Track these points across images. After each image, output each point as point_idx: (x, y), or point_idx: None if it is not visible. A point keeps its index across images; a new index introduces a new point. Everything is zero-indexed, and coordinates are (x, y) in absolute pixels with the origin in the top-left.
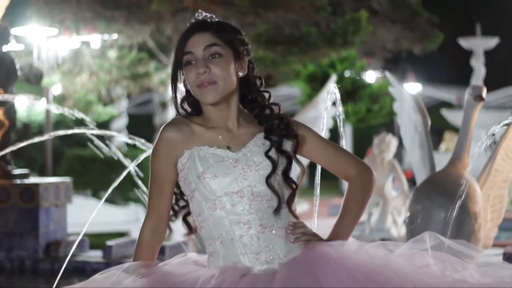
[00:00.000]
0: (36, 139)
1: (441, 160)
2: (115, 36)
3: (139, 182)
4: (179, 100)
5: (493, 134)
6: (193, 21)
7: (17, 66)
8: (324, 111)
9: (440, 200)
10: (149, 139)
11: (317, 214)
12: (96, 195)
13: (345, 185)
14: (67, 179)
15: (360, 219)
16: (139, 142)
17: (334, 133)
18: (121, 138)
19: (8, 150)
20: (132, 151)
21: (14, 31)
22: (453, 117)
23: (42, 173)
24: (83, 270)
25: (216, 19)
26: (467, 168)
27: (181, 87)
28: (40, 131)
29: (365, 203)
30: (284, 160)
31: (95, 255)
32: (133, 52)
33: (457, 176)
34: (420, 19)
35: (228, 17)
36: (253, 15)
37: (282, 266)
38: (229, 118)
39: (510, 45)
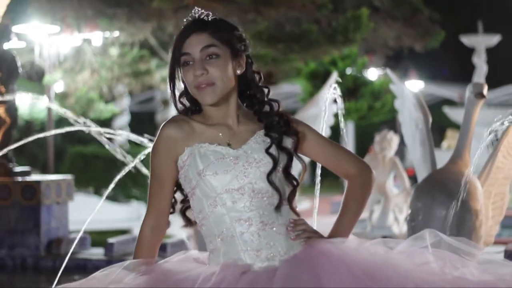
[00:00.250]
0: (35, 136)
1: (443, 157)
2: (116, 33)
3: (142, 180)
4: (177, 98)
5: (496, 131)
6: (190, 19)
7: (19, 64)
8: (325, 108)
9: (441, 198)
10: (152, 136)
11: (319, 212)
12: (98, 192)
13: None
14: (68, 177)
15: (360, 217)
16: (145, 139)
17: (335, 130)
18: (125, 135)
19: (9, 147)
20: (134, 148)
21: (15, 28)
22: (455, 114)
23: (45, 170)
24: (84, 268)
25: (213, 17)
26: (469, 166)
27: (179, 84)
28: (42, 129)
29: (365, 201)
30: (285, 157)
31: (97, 253)
32: (135, 50)
33: (458, 174)
34: (421, 16)
35: (229, 14)
36: (254, 12)
37: (282, 263)
38: (228, 116)
39: None
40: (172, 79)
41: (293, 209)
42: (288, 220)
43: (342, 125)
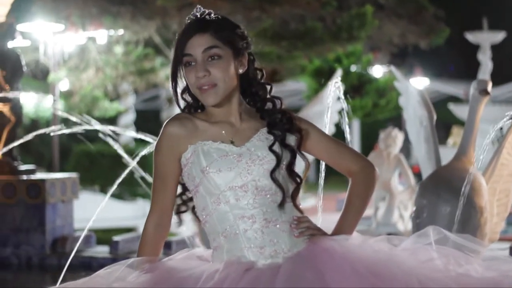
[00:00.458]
0: (34, 133)
1: (449, 154)
2: (121, 31)
3: (145, 177)
4: (179, 96)
5: (501, 128)
6: (192, 17)
7: (23, 62)
8: (328, 105)
9: (446, 195)
10: (157, 135)
11: (324, 209)
12: (104, 190)
13: None
14: (73, 175)
15: (363, 214)
16: (151, 138)
17: (340, 128)
18: (129, 133)
19: (13, 145)
20: (140, 146)
21: (20, 27)
22: (461, 111)
23: (50, 169)
24: (89, 266)
25: (215, 16)
26: (473, 163)
27: (181, 83)
28: (48, 127)
29: (368, 198)
30: (288, 154)
31: (102, 251)
32: (139, 48)
33: (463, 170)
34: (426, 14)
35: (234, 12)
36: (258, 10)
37: (286, 261)
38: (231, 114)
39: None
40: (174, 78)
41: (296, 207)
42: (291, 218)
43: (345, 122)
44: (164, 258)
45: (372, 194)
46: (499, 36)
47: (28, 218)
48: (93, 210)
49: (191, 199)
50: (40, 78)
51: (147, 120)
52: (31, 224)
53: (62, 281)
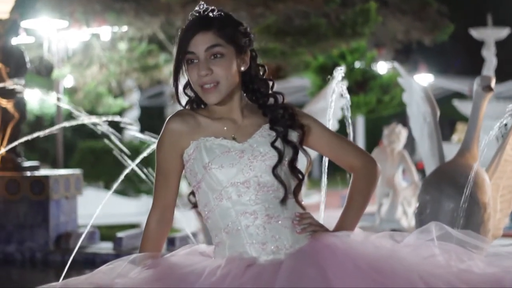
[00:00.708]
0: (46, 131)
1: (453, 150)
2: (125, 28)
3: (147, 175)
4: (180, 95)
5: (505, 125)
6: (195, 14)
7: (27, 59)
8: (331, 102)
9: (449, 191)
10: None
11: (328, 205)
12: (108, 187)
13: None
14: (77, 171)
15: (365, 210)
16: (150, 136)
17: (344, 124)
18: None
19: (17, 142)
20: (144, 143)
21: (24, 23)
22: (465, 107)
23: (55, 165)
24: (93, 262)
25: (218, 13)
26: (477, 159)
27: (183, 80)
28: (53, 124)
29: (370, 194)
30: (290, 150)
31: (106, 247)
32: (143, 44)
33: (466, 167)
34: (430, 10)
35: (238, 9)
36: (262, 6)
37: (288, 257)
38: (233, 110)
39: None
40: (176, 76)
41: (298, 203)
42: (293, 214)
43: (348, 118)
44: (167, 254)
45: (374, 190)
46: (503, 32)
47: (32, 215)
48: (98, 207)
49: None
50: (44, 74)
51: (152, 116)
52: (35, 221)
53: (66, 277)
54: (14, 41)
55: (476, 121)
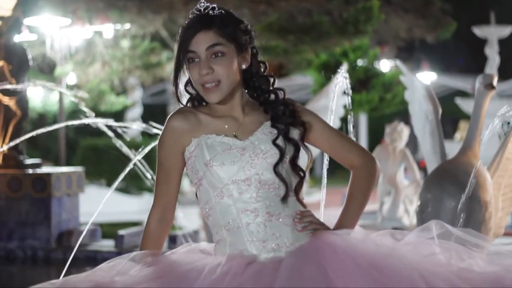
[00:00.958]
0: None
1: (456, 148)
2: (127, 26)
3: (150, 172)
4: (181, 93)
5: (508, 123)
6: (196, 11)
7: (29, 57)
8: (332, 100)
9: (451, 189)
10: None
11: (331, 203)
12: (111, 185)
13: None
14: (79, 169)
15: (365, 208)
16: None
17: (346, 122)
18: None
19: (19, 140)
20: (147, 140)
21: (26, 21)
22: (468, 105)
23: (58, 163)
24: (95, 259)
25: (218, 11)
26: (479, 157)
27: (183, 78)
28: (55, 121)
29: (369, 192)
30: (292, 148)
31: (107, 245)
32: (146, 42)
33: (468, 165)
34: (433, 8)
35: (240, 6)
36: (265, 4)
37: (288, 255)
38: (234, 108)
39: None
40: (176, 75)
41: (299, 201)
42: (294, 212)
43: (350, 116)
44: (167, 251)
45: (374, 188)
46: (506, 30)
47: (33, 212)
48: (100, 205)
49: None
50: (46, 72)
51: (154, 114)
52: (36, 218)
53: (66, 275)
54: (17, 38)
55: (478, 119)
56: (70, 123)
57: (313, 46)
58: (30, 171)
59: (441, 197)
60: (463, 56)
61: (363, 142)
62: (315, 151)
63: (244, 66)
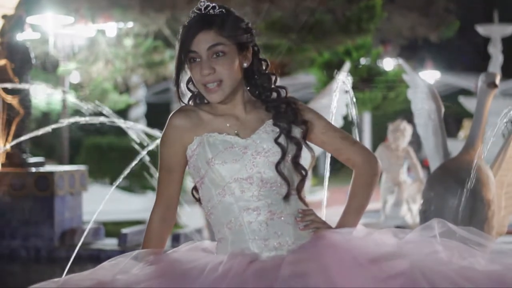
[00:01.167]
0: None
1: (460, 147)
2: (130, 24)
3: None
4: (182, 93)
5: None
6: (196, 11)
7: (32, 55)
8: (334, 98)
9: (454, 187)
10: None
11: (334, 202)
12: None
13: None
14: (82, 167)
15: (367, 206)
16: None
17: (348, 120)
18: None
19: (22, 138)
20: (151, 139)
21: (29, 19)
22: (471, 104)
23: (61, 162)
24: (98, 258)
25: (219, 10)
26: (481, 156)
27: (184, 78)
28: (59, 120)
29: (371, 191)
30: (294, 146)
31: (111, 243)
32: (149, 40)
33: (471, 163)
34: (436, 6)
35: (243, 4)
36: (268, 2)
37: (290, 253)
38: (236, 106)
39: None
40: (178, 76)
41: (301, 199)
42: (296, 210)
43: (352, 115)
44: (169, 250)
45: (375, 186)
46: (509, 29)
47: (36, 211)
48: (104, 203)
49: None
50: (50, 70)
51: (158, 112)
52: (39, 217)
53: (69, 273)
54: (20, 37)
55: (480, 118)
56: (76, 119)
57: (316, 45)
58: (33, 169)
59: (444, 196)
60: (467, 55)
61: (367, 140)
62: (318, 149)
63: (245, 65)
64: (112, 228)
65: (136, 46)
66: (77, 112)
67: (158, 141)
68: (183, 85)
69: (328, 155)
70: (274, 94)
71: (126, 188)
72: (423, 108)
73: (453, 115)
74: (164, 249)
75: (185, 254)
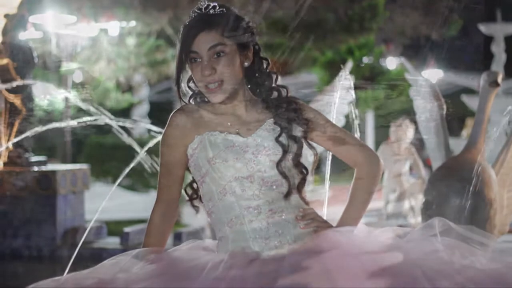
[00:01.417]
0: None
1: (463, 146)
2: (133, 23)
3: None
4: (183, 93)
5: None
6: (197, 10)
7: (34, 54)
8: (336, 97)
9: (456, 186)
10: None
11: (337, 201)
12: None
13: None
14: (84, 166)
15: (368, 205)
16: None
17: (350, 119)
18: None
19: (23, 136)
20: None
21: (32, 18)
22: (474, 103)
23: (64, 160)
24: (100, 257)
25: (220, 9)
26: (483, 155)
27: (185, 78)
28: (62, 119)
29: (372, 189)
30: (295, 145)
31: (113, 242)
32: (151, 39)
33: (473, 162)
34: (439, 5)
35: (245, 3)
36: (270, 1)
37: (291, 252)
38: (236, 105)
39: None
40: (178, 76)
41: (302, 198)
42: (297, 209)
43: (354, 114)
44: (170, 249)
45: (377, 185)
46: None
47: (39, 210)
48: (106, 202)
49: None
50: (52, 70)
51: (161, 111)
52: (41, 216)
53: (71, 272)
54: (22, 36)
55: (482, 116)
56: (76, 120)
57: (318, 44)
58: (35, 168)
59: (446, 195)
60: (470, 53)
61: (369, 139)
62: (320, 148)
63: (246, 64)
64: (114, 227)
65: (139, 45)
66: (80, 111)
67: (157, 140)
68: (183, 85)
69: (330, 154)
70: (275, 93)
71: (128, 186)
72: (426, 107)
73: (456, 114)
74: (165, 248)
75: (186, 253)
